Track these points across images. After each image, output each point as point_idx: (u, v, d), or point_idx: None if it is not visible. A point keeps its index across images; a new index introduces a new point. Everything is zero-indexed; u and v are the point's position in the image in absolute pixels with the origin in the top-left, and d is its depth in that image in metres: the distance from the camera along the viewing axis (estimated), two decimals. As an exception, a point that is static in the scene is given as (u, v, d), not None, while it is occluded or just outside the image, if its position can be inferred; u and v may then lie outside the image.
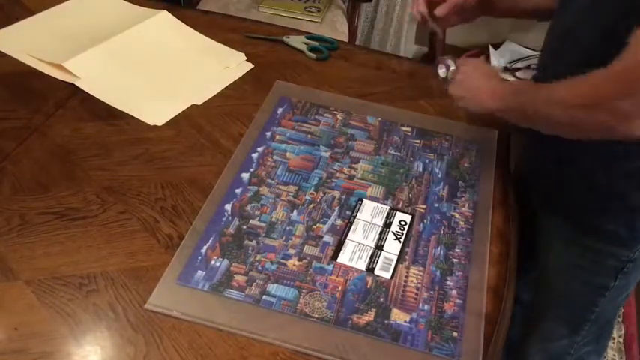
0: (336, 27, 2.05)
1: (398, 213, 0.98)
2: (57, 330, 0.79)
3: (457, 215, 0.99)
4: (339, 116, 1.16)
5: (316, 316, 0.83)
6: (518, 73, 2.45)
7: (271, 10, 2.06)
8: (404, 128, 1.15)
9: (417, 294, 0.87)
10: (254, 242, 0.91)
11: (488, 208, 1.02)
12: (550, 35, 1.01)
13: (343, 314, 0.83)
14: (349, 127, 1.13)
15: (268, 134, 1.10)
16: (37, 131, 1.07)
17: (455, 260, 0.92)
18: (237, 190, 0.99)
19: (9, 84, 1.17)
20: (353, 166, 1.06)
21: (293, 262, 0.89)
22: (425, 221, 0.98)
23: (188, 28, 1.35)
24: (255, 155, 1.06)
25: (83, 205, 0.95)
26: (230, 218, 0.94)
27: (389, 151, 1.10)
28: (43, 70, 1.19)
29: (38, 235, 0.90)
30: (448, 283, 0.89)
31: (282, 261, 0.89)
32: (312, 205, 0.98)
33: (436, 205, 1.01)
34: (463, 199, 1.02)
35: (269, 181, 1.01)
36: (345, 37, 2.03)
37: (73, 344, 0.78)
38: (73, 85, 1.16)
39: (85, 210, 0.94)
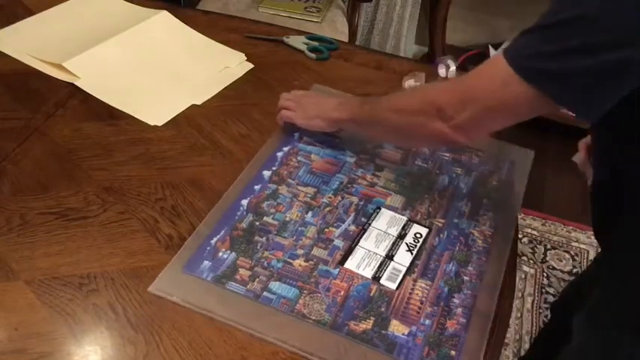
0: (336, 27, 2.05)
1: (415, 225, 0.96)
2: (57, 330, 0.79)
3: (476, 233, 0.96)
4: None
5: (313, 318, 0.82)
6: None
7: (271, 10, 2.06)
8: None
9: (420, 308, 0.85)
10: (264, 239, 0.91)
11: (511, 229, 0.98)
12: None
13: (341, 319, 0.82)
14: None
15: (297, 135, 1.10)
16: (37, 131, 1.07)
17: (466, 278, 0.89)
18: (257, 187, 0.99)
19: (9, 84, 1.17)
20: (376, 173, 1.04)
21: (299, 263, 0.89)
22: (441, 235, 0.95)
23: (188, 28, 1.35)
24: (280, 154, 1.06)
25: (83, 205, 0.95)
26: (245, 213, 0.95)
27: (416, 162, 1.07)
28: (43, 70, 1.19)
29: (38, 235, 0.90)
30: (454, 300, 0.86)
31: (288, 260, 0.89)
32: (328, 209, 0.97)
33: (455, 220, 0.97)
34: (485, 217, 0.99)
35: (289, 180, 1.01)
36: (345, 37, 2.03)
37: (73, 344, 0.78)
38: (73, 85, 1.16)
39: (85, 210, 0.94)
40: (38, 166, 1.01)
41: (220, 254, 0.89)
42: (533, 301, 1.91)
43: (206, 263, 0.87)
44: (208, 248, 0.89)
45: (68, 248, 0.88)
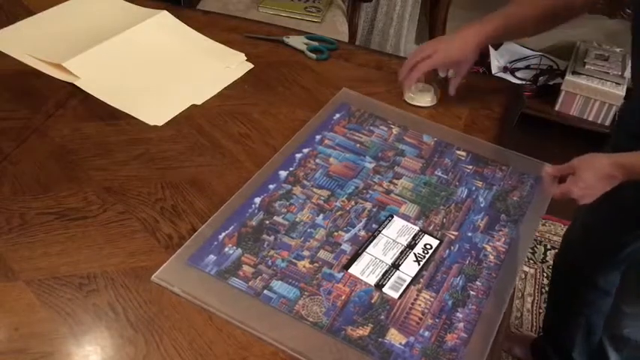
0: (336, 27, 2.05)
1: (426, 236, 0.95)
2: (57, 330, 0.79)
3: (489, 248, 0.94)
4: (395, 130, 1.13)
5: (311, 320, 0.82)
6: (517, 73, 2.45)
7: (271, 10, 2.07)
8: (459, 152, 1.10)
9: (420, 319, 0.83)
10: (272, 238, 0.92)
11: (526, 247, 0.96)
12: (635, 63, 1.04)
13: (338, 323, 0.81)
14: (402, 143, 1.11)
15: (318, 137, 1.10)
16: (37, 131, 1.07)
17: (472, 293, 0.87)
18: (271, 186, 1.00)
19: (9, 84, 1.17)
20: (394, 181, 1.03)
21: (304, 264, 0.89)
22: (452, 248, 0.93)
23: (188, 28, 1.35)
24: (298, 155, 1.06)
25: (83, 205, 0.95)
26: (256, 211, 0.95)
27: (435, 172, 1.06)
28: (43, 70, 1.19)
29: (38, 235, 0.90)
30: (458, 314, 0.84)
31: (293, 260, 0.89)
32: (339, 212, 0.97)
33: (469, 234, 0.96)
34: (501, 232, 0.96)
35: (305, 182, 1.01)
36: (345, 37, 2.03)
37: (73, 344, 0.78)
38: (73, 85, 1.16)
39: (85, 210, 0.94)
40: (38, 166, 1.01)
41: (226, 249, 0.89)
42: (533, 301, 1.91)
43: (211, 257, 0.88)
44: (215, 243, 0.90)
45: (68, 248, 0.88)
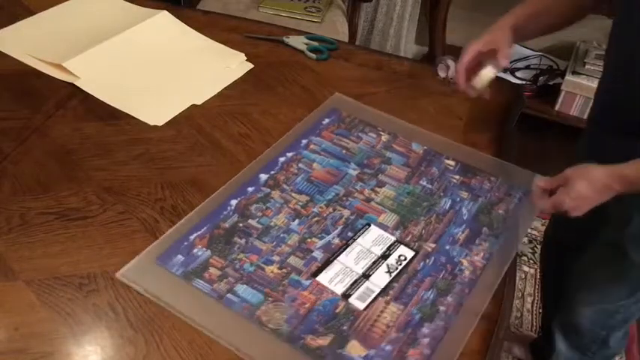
0: (336, 27, 2.05)
1: (401, 246, 0.92)
2: (57, 330, 0.79)
3: (465, 262, 0.90)
4: (384, 137, 1.11)
5: (270, 326, 0.80)
6: (517, 73, 2.45)
7: (271, 10, 2.06)
8: (447, 161, 1.07)
9: (384, 332, 0.80)
10: (243, 241, 0.91)
11: (506, 263, 0.91)
12: (613, 58, 1.04)
13: (298, 332, 0.79)
14: (389, 150, 1.09)
15: (304, 142, 1.09)
16: (37, 131, 1.07)
17: (442, 308, 0.84)
18: (250, 189, 0.99)
19: (9, 84, 1.17)
20: (376, 189, 1.01)
21: (272, 269, 0.87)
22: (427, 260, 0.90)
23: (188, 28, 1.35)
24: (282, 159, 1.05)
25: (83, 205, 0.95)
26: (231, 213, 0.94)
27: (420, 182, 1.03)
28: (43, 70, 1.19)
29: (38, 235, 0.90)
30: (424, 330, 0.81)
31: (262, 265, 0.87)
32: (316, 219, 0.95)
33: (447, 247, 0.92)
34: (480, 247, 0.93)
35: (284, 186, 1.00)
36: (345, 37, 2.03)
37: (73, 344, 0.78)
38: (73, 85, 1.17)
39: (85, 210, 0.94)
40: (38, 166, 1.01)
41: (195, 250, 0.88)
42: (533, 301, 1.91)
43: (179, 257, 0.87)
44: (186, 243, 0.89)
45: (68, 248, 0.88)
